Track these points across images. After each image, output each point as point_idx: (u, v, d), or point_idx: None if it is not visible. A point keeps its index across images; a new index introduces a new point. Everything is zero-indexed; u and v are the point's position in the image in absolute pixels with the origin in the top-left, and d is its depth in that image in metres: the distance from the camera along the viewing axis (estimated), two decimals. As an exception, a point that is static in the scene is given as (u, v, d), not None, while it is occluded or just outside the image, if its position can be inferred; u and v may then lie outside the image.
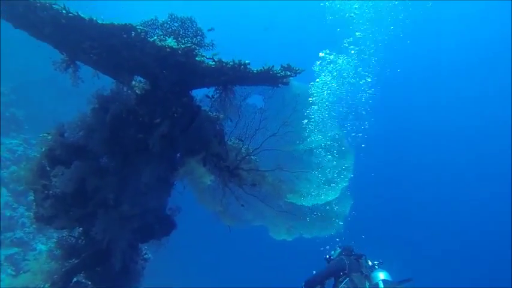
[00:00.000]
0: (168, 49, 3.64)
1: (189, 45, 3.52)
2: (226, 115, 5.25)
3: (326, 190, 5.31)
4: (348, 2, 6.65)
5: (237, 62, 3.88)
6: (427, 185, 31.36)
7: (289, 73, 4.54)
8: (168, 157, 4.81)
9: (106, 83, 5.39)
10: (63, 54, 4.86)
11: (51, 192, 5.32)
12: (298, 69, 4.99)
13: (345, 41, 6.26)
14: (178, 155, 5.01)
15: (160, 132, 4.26)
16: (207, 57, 3.79)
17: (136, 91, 4.74)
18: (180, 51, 3.61)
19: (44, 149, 5.51)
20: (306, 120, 5.37)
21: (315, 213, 5.36)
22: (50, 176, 5.41)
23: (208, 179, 4.51)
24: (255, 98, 5.37)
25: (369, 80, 5.84)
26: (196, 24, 4.36)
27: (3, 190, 10.97)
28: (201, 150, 4.84)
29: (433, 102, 33.29)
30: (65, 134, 5.63)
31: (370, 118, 6.12)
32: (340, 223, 5.45)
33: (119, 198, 4.98)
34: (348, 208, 5.57)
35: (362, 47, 6.23)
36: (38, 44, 4.76)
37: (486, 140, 31.91)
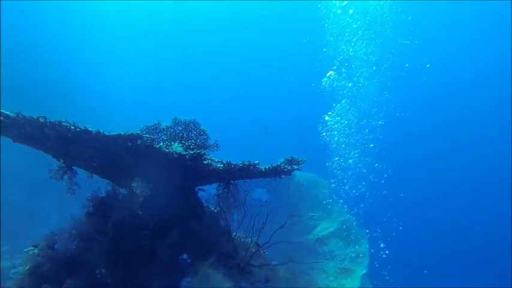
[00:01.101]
0: (175, 155, 3.59)
1: (197, 151, 3.48)
2: (231, 211, 5.09)
3: (344, 280, 4.98)
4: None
5: (246, 163, 3.85)
6: (426, 185, 30.71)
7: (295, 167, 4.54)
8: (177, 263, 4.48)
9: (100, 184, 5.25)
10: (59, 161, 4.77)
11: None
12: (301, 161, 5.04)
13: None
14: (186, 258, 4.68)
15: (170, 241, 4.01)
16: (215, 160, 3.76)
17: (139, 195, 4.57)
18: (187, 157, 3.57)
19: (28, 267, 5.03)
20: (312, 210, 5.26)
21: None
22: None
23: (228, 285, 4.16)
24: (258, 191, 5.30)
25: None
26: (199, 126, 4.44)
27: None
28: (211, 251, 4.55)
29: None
30: (55, 246, 5.28)
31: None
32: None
33: (122, 317, 4.49)
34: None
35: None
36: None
37: (486, 140, 32.03)
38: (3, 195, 15.46)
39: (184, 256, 4.65)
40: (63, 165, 4.73)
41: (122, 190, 5.32)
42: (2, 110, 3.36)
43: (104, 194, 5.33)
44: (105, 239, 4.68)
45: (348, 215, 5.34)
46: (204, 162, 3.69)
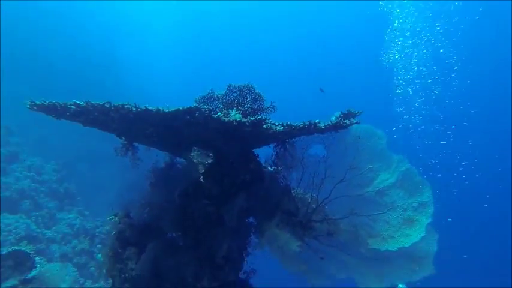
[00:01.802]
0: (235, 123, 3.60)
1: (258, 117, 3.46)
2: (290, 170, 5.14)
3: (409, 230, 4.96)
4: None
5: (307, 123, 3.79)
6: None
7: (354, 121, 4.40)
8: (244, 227, 4.69)
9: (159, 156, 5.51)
10: (121, 139, 5.01)
11: (127, 275, 5.33)
12: (358, 112, 4.87)
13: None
14: (252, 220, 4.88)
15: (238, 207, 4.17)
16: (276, 123, 3.73)
17: (200, 165, 4.72)
18: (248, 124, 3.56)
19: (114, 232, 5.60)
20: (370, 161, 5.15)
21: (403, 256, 5.00)
22: (123, 259, 5.46)
23: (295, 245, 4.34)
24: (315, 147, 5.25)
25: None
26: (254, 90, 4.37)
27: (70, 266, 11.23)
28: (274, 211, 4.69)
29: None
30: (131, 214, 5.74)
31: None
32: (431, 263, 5.05)
33: (197, 275, 4.88)
34: (435, 245, 5.17)
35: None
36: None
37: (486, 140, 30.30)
38: (78, 167, 16.95)
39: (250, 219, 4.85)
40: (125, 142, 4.99)
41: (182, 160, 5.56)
42: (75, 100, 3.53)
43: (163, 165, 5.63)
44: (173, 208, 4.99)
45: (409, 164, 5.18)
46: (264, 126, 3.68)
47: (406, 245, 4.89)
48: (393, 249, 4.91)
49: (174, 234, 5.27)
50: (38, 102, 3.85)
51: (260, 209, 4.65)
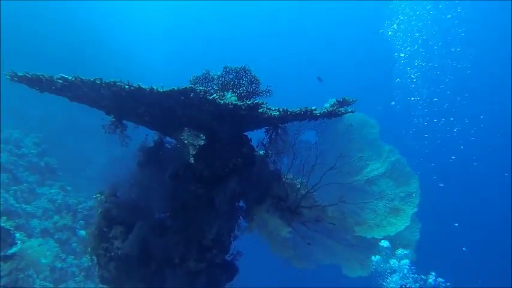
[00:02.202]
0: (230, 106, 3.52)
1: (255, 101, 3.38)
2: (281, 155, 5.12)
3: (394, 219, 5.06)
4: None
5: (303, 109, 3.74)
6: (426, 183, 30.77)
7: (349, 109, 4.37)
8: (234, 210, 4.67)
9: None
10: (110, 116, 4.87)
11: (113, 254, 5.29)
12: (353, 100, 4.85)
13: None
14: (242, 204, 4.87)
15: (230, 190, 4.13)
16: (272, 108, 3.66)
17: (192, 146, 4.64)
18: (243, 107, 3.49)
19: (100, 211, 5.51)
20: (362, 150, 5.18)
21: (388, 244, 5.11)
22: (109, 238, 5.40)
23: (285, 231, 4.35)
24: (307, 133, 5.24)
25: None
26: (250, 73, 4.27)
27: (51, 241, 11.10)
28: (264, 196, 4.69)
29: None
30: (117, 194, 5.65)
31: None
32: (413, 251, 5.19)
33: (184, 256, 4.87)
34: (418, 233, 5.30)
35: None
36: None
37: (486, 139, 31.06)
38: (60, 141, 16.51)
39: (240, 203, 4.84)
40: (114, 120, 4.84)
41: (171, 140, 5.46)
42: (62, 74, 3.37)
43: (152, 144, 5.52)
44: (163, 189, 4.92)
45: (399, 155, 5.23)
46: (259, 110, 3.61)
47: (391, 234, 5.00)
48: (378, 237, 5.02)
49: (162, 215, 5.23)
50: (20, 74, 3.65)
51: (250, 193, 4.63)
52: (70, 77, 3.42)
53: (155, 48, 35.72)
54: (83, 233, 12.44)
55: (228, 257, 5.46)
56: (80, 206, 13.66)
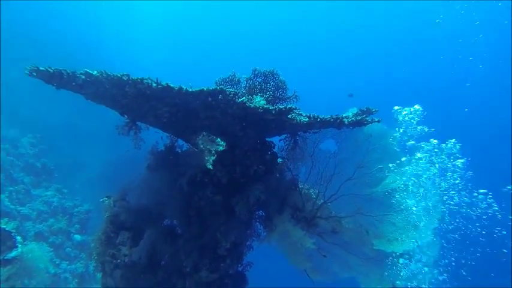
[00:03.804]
0: (260, 110, 3.38)
1: (288, 106, 3.25)
2: (299, 164, 4.97)
3: (414, 233, 4.91)
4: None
5: (334, 116, 3.61)
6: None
7: (376, 119, 4.26)
8: (254, 219, 4.49)
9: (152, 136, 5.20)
10: (124, 117, 4.70)
11: (119, 261, 5.07)
12: (375, 110, 4.74)
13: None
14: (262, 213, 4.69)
15: (254, 198, 3.96)
16: (303, 114, 3.52)
17: (211, 151, 4.47)
18: (273, 112, 3.35)
19: (107, 215, 5.30)
20: (381, 161, 5.05)
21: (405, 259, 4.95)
22: (115, 244, 5.19)
23: (310, 242, 4.18)
24: (327, 142, 5.11)
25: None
26: (278, 77, 4.14)
27: (44, 246, 10.74)
28: (283, 205, 4.52)
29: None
30: (127, 198, 5.45)
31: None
32: (432, 269, 5.05)
33: (196, 265, 4.66)
34: (437, 251, 5.16)
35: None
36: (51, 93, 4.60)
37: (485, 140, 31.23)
38: (57, 143, 16.15)
39: (260, 212, 4.66)
40: (128, 121, 4.67)
41: (182, 143, 5.29)
42: (87, 69, 3.21)
43: (163, 148, 5.34)
44: (178, 194, 4.73)
45: (418, 168, 5.12)
46: (288, 116, 3.47)
47: (410, 248, 4.85)
48: (397, 251, 4.86)
49: (173, 222, 5.03)
50: (41, 68, 3.50)
51: (272, 202, 4.46)
52: (95, 72, 3.26)
53: (151, 52, 35.42)
54: (78, 237, 12.11)
55: (239, 268, 5.27)
56: (76, 210, 13.33)
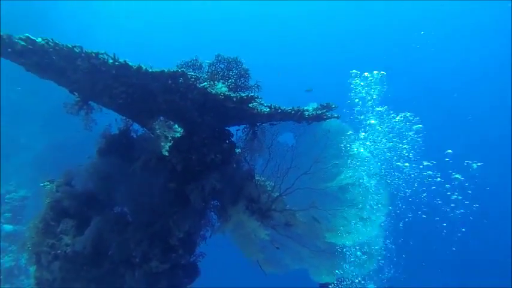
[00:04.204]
0: (221, 96, 3.26)
1: (250, 94, 3.16)
2: (257, 155, 4.93)
3: (364, 227, 5.10)
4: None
5: (295, 108, 3.58)
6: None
7: (335, 115, 4.32)
8: (208, 209, 4.37)
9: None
10: (74, 95, 4.34)
11: (59, 251, 4.69)
12: (335, 106, 4.81)
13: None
14: (216, 202, 4.58)
15: (209, 187, 3.83)
16: (264, 104, 3.46)
17: (167, 137, 4.27)
18: (235, 99, 3.25)
19: (48, 201, 4.88)
20: (337, 157, 5.17)
21: (356, 251, 5.14)
22: (55, 233, 4.80)
23: (264, 233, 4.14)
24: (285, 135, 5.11)
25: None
26: (242, 65, 4.03)
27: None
28: (238, 196, 4.45)
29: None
30: (72, 183, 5.06)
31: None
32: (379, 258, 5.28)
33: (146, 255, 4.45)
34: (381, 241, 5.40)
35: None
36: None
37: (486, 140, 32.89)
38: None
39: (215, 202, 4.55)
40: (78, 99, 4.32)
41: (137, 128, 5.02)
42: (28, 34, 2.85)
43: (116, 132, 5.03)
44: (128, 180, 4.47)
45: (372, 164, 5.30)
46: (250, 105, 3.39)
47: (360, 241, 5.03)
48: (348, 244, 5.01)
49: (124, 209, 4.75)
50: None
51: (227, 191, 4.37)
52: (39, 40, 2.92)
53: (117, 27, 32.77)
54: (8, 227, 11.13)
55: (191, 258, 5.13)
56: (8, 196, 12.20)
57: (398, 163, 5.34)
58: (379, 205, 5.23)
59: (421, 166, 5.70)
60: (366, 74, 5.20)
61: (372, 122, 5.12)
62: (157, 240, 4.42)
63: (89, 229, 4.36)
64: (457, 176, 6.42)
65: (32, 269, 4.90)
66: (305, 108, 3.84)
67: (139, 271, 4.45)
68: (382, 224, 5.26)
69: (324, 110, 4.25)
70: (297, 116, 3.88)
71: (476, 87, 32.87)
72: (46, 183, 5.00)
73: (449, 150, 8.80)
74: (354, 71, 5.34)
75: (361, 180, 5.23)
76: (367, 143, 5.08)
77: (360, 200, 5.19)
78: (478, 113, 32.36)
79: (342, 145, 5.19)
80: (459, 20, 29.05)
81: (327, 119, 4.50)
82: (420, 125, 5.35)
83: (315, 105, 4.89)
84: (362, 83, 5.21)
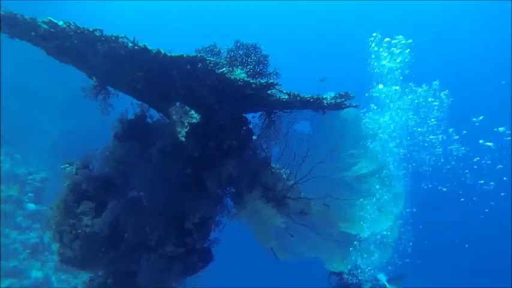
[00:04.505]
0: (240, 82, 3.23)
1: (269, 80, 3.13)
2: (272, 143, 4.91)
3: (379, 218, 5.05)
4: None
5: (315, 96, 3.53)
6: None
7: (354, 104, 4.25)
8: (224, 195, 4.39)
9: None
10: (93, 79, 4.38)
11: (80, 231, 4.80)
12: (353, 95, 4.72)
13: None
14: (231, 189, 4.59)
15: (226, 174, 3.84)
16: (283, 91, 3.42)
17: (181, 123, 4.27)
18: (254, 85, 3.22)
19: (68, 183, 4.98)
20: (353, 147, 5.11)
21: (370, 241, 5.11)
22: (76, 214, 4.91)
23: (280, 221, 4.14)
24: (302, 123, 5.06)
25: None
26: (260, 51, 3.98)
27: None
28: (254, 183, 4.45)
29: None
30: (90, 166, 5.15)
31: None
32: (391, 249, 5.25)
33: (162, 239, 4.52)
34: (397, 232, 5.36)
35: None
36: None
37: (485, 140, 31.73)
38: (3, 104, 14.88)
39: (231, 188, 4.56)
40: (97, 84, 4.36)
41: (154, 113, 5.04)
42: (50, 18, 2.87)
43: (133, 117, 5.06)
44: (144, 165, 4.52)
45: (388, 155, 5.22)
46: (268, 92, 3.35)
47: (375, 231, 4.99)
48: (363, 235, 4.98)
49: (140, 194, 4.82)
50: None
51: (244, 179, 4.38)
52: (61, 23, 2.93)
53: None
54: (32, 206, 11.47)
55: (205, 243, 5.18)
56: (30, 177, 12.55)
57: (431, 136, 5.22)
58: (396, 197, 5.17)
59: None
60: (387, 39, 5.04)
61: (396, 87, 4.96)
62: (172, 225, 4.47)
63: (105, 212, 4.44)
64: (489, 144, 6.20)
65: (55, 246, 5.06)
66: (324, 96, 3.77)
67: (154, 254, 4.53)
68: (400, 215, 5.21)
69: (343, 99, 4.18)
70: (315, 104, 3.83)
71: (476, 87, 32.37)
72: (66, 165, 5.10)
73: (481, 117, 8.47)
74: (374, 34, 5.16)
75: (384, 170, 5.15)
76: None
77: (376, 190, 5.14)
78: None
79: (359, 135, 5.13)
80: (459, 20, 28.49)
81: (345, 107, 4.43)
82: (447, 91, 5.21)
83: (332, 94, 4.82)
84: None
